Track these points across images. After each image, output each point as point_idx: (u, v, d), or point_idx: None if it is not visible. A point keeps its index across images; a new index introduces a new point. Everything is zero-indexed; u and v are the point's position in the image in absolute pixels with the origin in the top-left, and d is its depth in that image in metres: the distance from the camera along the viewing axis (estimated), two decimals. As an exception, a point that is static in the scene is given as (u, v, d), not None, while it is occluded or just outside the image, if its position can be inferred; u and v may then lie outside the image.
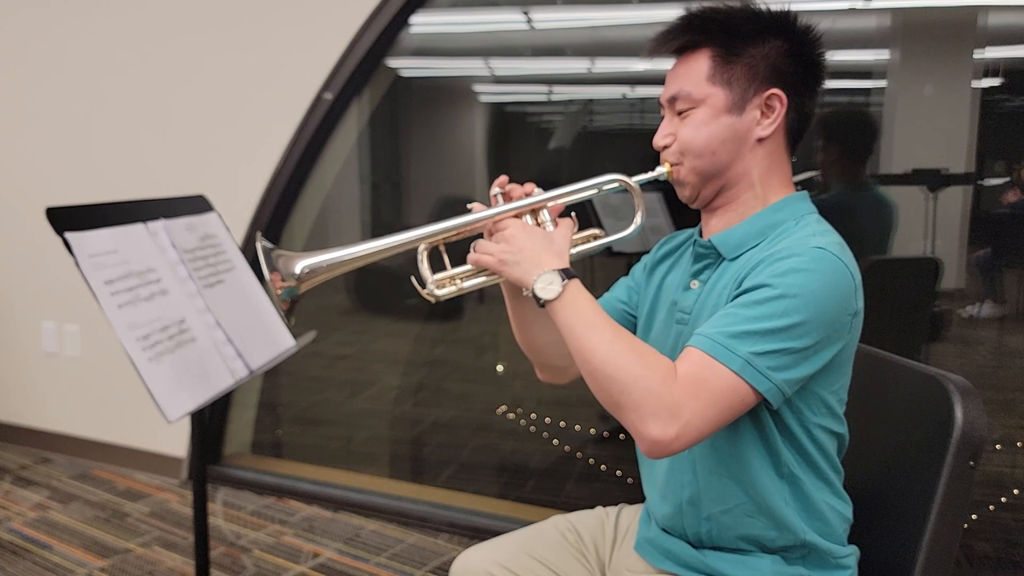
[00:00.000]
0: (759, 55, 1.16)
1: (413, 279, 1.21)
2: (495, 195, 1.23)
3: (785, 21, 1.18)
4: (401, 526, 2.83)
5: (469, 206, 1.23)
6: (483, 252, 1.18)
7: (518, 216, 1.20)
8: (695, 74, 1.18)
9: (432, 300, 1.21)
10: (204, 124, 3.06)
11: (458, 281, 1.22)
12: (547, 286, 1.10)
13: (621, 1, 2.86)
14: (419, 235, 1.19)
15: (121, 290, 1.62)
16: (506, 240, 1.16)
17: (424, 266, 1.20)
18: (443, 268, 1.22)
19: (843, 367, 1.15)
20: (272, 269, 1.17)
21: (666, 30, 1.21)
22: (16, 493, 3.13)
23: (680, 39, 1.20)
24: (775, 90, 1.16)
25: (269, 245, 1.18)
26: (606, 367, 1.04)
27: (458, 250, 1.24)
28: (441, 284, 1.21)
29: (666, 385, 1.01)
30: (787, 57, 1.17)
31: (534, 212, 1.21)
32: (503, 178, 1.24)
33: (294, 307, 1.19)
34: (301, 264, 1.17)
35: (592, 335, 1.06)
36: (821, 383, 1.12)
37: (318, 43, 2.83)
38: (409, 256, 1.22)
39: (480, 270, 1.21)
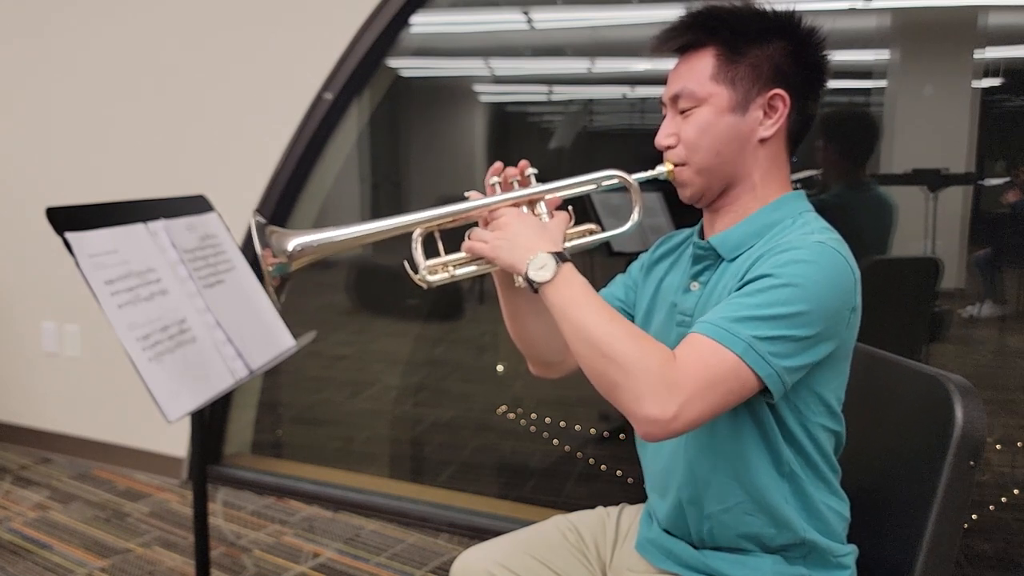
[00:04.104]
0: (763, 55, 1.16)
1: (406, 263, 1.20)
2: (492, 184, 1.23)
3: (790, 22, 1.18)
4: (401, 526, 2.83)
5: (466, 194, 1.23)
6: (477, 239, 1.18)
7: (515, 206, 1.20)
8: (699, 73, 1.17)
9: (424, 286, 1.20)
10: (204, 124, 3.06)
11: (451, 268, 1.21)
12: (540, 269, 1.10)
13: (621, 1, 2.86)
14: (414, 220, 1.19)
15: (121, 290, 1.62)
16: (500, 227, 1.16)
17: (418, 251, 1.20)
18: (437, 254, 1.21)
19: (841, 365, 1.15)
20: (264, 245, 1.16)
21: (670, 28, 1.20)
22: (16, 493, 3.13)
23: (684, 37, 1.19)
24: (778, 90, 1.16)
25: (263, 221, 1.18)
26: (602, 347, 1.03)
27: (454, 238, 1.23)
28: (433, 270, 1.20)
29: (665, 365, 1.01)
30: (791, 58, 1.17)
31: (531, 203, 1.21)
32: (498, 165, 1.24)
33: (284, 285, 1.19)
34: (294, 242, 1.17)
35: (587, 316, 1.06)
36: (819, 381, 1.12)
37: (318, 43, 2.83)
38: (409, 256, 1.21)
39: (474, 258, 1.20)
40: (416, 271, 1.20)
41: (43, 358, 3.48)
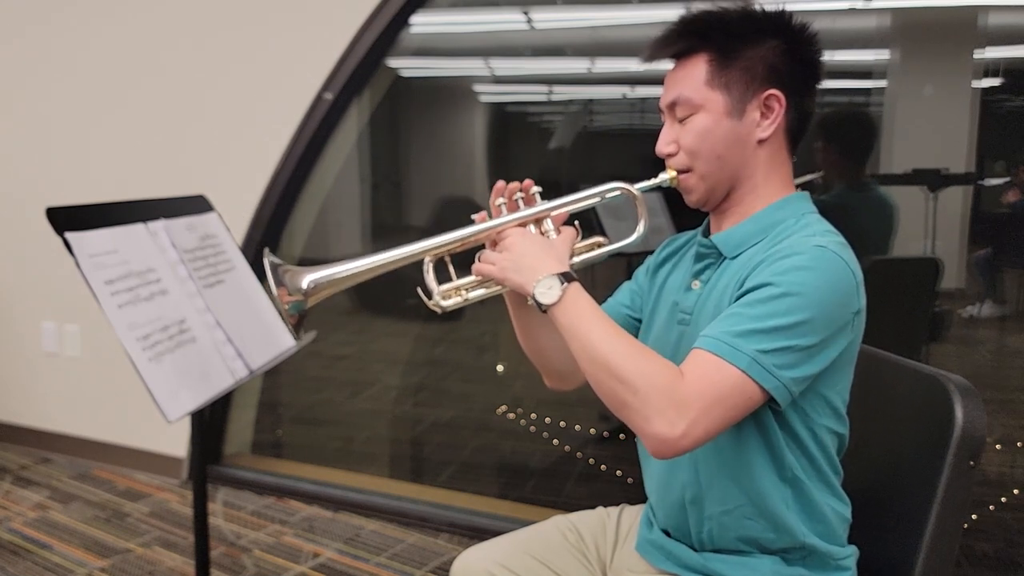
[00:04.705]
0: (756, 56, 1.16)
1: (419, 290, 1.22)
2: (499, 205, 1.23)
3: (780, 21, 1.18)
4: (401, 526, 2.83)
5: (473, 217, 1.24)
6: (486, 262, 1.19)
7: (521, 225, 1.21)
8: (693, 79, 1.18)
9: (438, 311, 1.22)
10: (204, 124, 3.06)
11: (463, 292, 1.23)
12: (547, 291, 1.10)
13: (621, 1, 2.86)
14: (424, 247, 1.20)
15: (121, 290, 1.62)
16: (507, 248, 1.17)
17: (430, 277, 1.22)
18: (448, 279, 1.23)
19: (846, 366, 1.15)
20: (279, 284, 1.18)
21: (662, 36, 1.21)
22: (16, 493, 3.13)
23: (676, 45, 1.20)
24: (773, 90, 1.16)
25: (277, 261, 1.19)
26: (610, 366, 1.04)
27: (465, 260, 1.25)
28: (447, 295, 1.22)
29: (672, 383, 1.01)
30: (784, 57, 1.17)
31: (537, 222, 1.22)
32: (499, 184, 1.25)
33: (302, 321, 1.20)
34: (308, 279, 1.18)
35: (594, 336, 1.06)
36: (825, 383, 1.12)
37: (318, 43, 2.83)
38: (419, 275, 1.22)
39: (484, 280, 1.22)
40: (430, 297, 1.22)
41: (43, 358, 3.48)
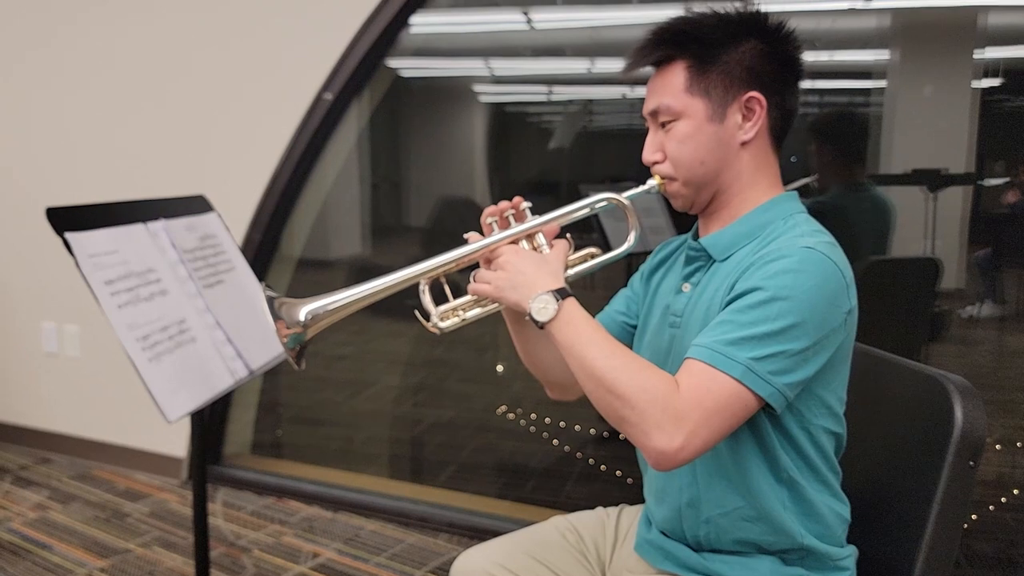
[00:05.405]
0: (733, 60, 1.16)
1: (417, 313, 1.22)
2: (490, 223, 1.23)
3: (755, 21, 1.18)
4: (401, 526, 2.83)
5: (466, 236, 1.24)
6: (481, 281, 1.19)
7: (514, 242, 1.21)
8: (673, 87, 1.18)
9: (437, 332, 1.22)
10: (204, 124, 3.06)
11: (461, 312, 1.23)
12: (543, 308, 1.11)
13: (621, 1, 2.86)
14: (419, 271, 1.20)
15: (121, 290, 1.63)
16: (501, 267, 1.18)
17: (427, 299, 1.22)
18: (445, 300, 1.23)
19: (841, 365, 1.15)
20: (276, 318, 1.17)
21: (640, 46, 1.21)
22: (16, 493, 3.13)
23: (653, 54, 1.20)
24: (753, 93, 1.16)
25: (273, 294, 1.19)
26: (607, 382, 1.04)
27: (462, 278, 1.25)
28: (444, 316, 1.22)
29: (669, 397, 1.01)
30: (762, 57, 1.17)
31: (529, 237, 1.22)
32: (490, 207, 1.25)
33: (303, 352, 1.19)
34: (305, 310, 1.18)
35: (590, 352, 1.07)
36: (820, 383, 1.12)
37: (318, 43, 2.83)
38: (415, 295, 1.22)
39: (481, 299, 1.22)
40: (428, 319, 1.22)
41: (43, 358, 3.48)
